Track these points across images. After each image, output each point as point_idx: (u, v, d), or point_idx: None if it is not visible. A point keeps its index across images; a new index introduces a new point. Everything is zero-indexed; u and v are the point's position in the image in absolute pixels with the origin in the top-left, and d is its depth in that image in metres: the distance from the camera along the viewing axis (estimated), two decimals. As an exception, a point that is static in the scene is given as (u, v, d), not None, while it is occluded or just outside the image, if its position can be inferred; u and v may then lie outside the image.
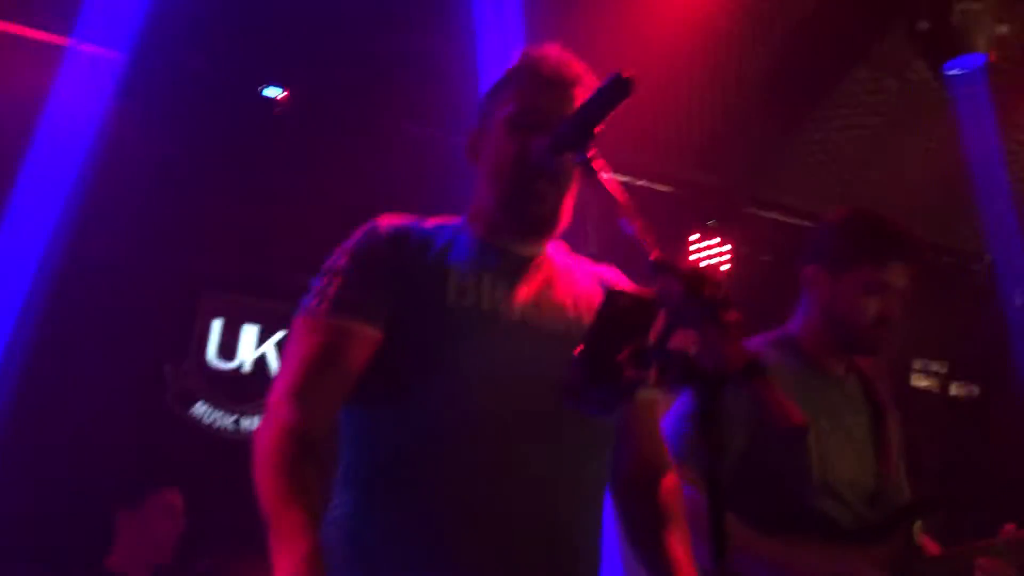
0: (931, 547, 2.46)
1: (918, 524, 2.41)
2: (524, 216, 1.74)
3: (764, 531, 2.23)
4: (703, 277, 1.21)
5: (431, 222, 1.82)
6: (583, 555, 1.66)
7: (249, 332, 5.12)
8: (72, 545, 4.06)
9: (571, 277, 1.82)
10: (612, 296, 1.26)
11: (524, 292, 1.72)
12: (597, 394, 1.23)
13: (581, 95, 1.67)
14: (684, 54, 4.97)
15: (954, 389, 6.75)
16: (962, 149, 5.60)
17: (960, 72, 4.65)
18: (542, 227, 1.77)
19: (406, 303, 1.64)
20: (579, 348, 1.22)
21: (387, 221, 1.74)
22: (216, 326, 5.06)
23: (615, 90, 1.41)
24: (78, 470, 4.42)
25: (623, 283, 1.85)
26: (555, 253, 1.87)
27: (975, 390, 6.76)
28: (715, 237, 5.41)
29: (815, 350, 2.49)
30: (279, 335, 5.16)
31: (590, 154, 1.47)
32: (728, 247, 5.42)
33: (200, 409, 4.94)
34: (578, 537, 1.65)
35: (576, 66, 1.77)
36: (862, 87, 5.42)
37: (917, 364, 6.64)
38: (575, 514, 1.65)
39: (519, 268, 1.76)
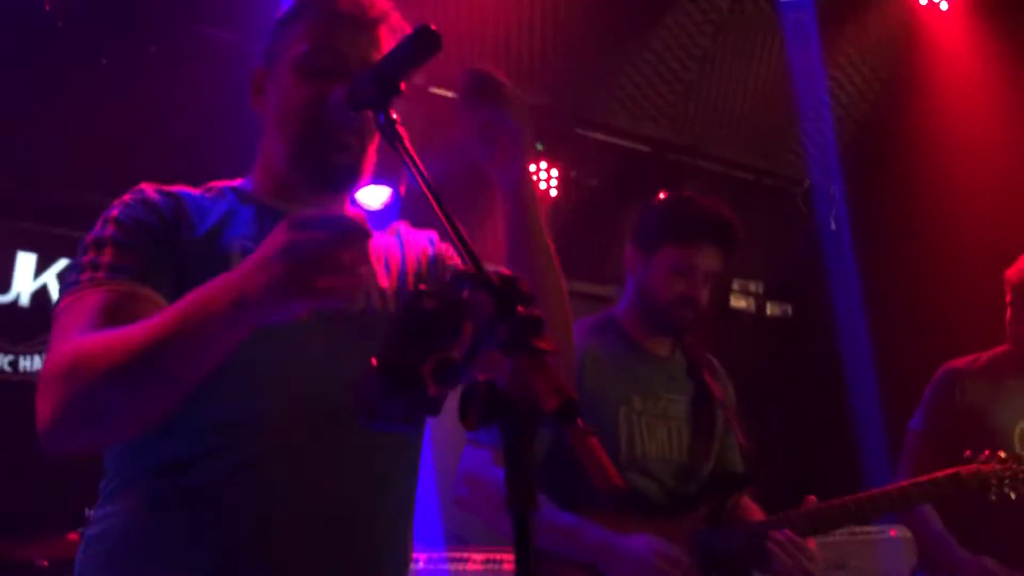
0: (756, 515, 2.56)
1: (735, 497, 2.55)
2: (321, 167, 1.48)
3: (574, 505, 2.29)
4: (517, 292, 0.99)
5: (205, 188, 1.55)
6: (386, 550, 1.50)
7: (25, 261, 4.54)
8: None
9: (379, 249, 1.59)
10: (419, 296, 1.05)
11: None
12: (396, 409, 1.04)
13: (387, 37, 1.51)
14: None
15: (769, 308, 6.97)
16: (785, 75, 5.65)
17: (789, -2, 4.59)
18: (342, 180, 1.52)
19: (184, 288, 1.33)
20: (377, 356, 1.03)
21: (154, 188, 1.48)
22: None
23: (420, 45, 1.24)
24: None
25: (447, 258, 1.66)
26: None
27: (788, 310, 7.01)
28: (542, 161, 5.23)
29: (635, 331, 2.57)
30: (60, 264, 4.61)
31: (393, 114, 1.27)
32: (555, 172, 5.26)
33: (-33, 350, 4.37)
34: (379, 534, 1.48)
35: (380, 1, 1.52)
36: (695, 6, 5.33)
37: (736, 284, 6.79)
38: (373, 512, 1.47)
39: None
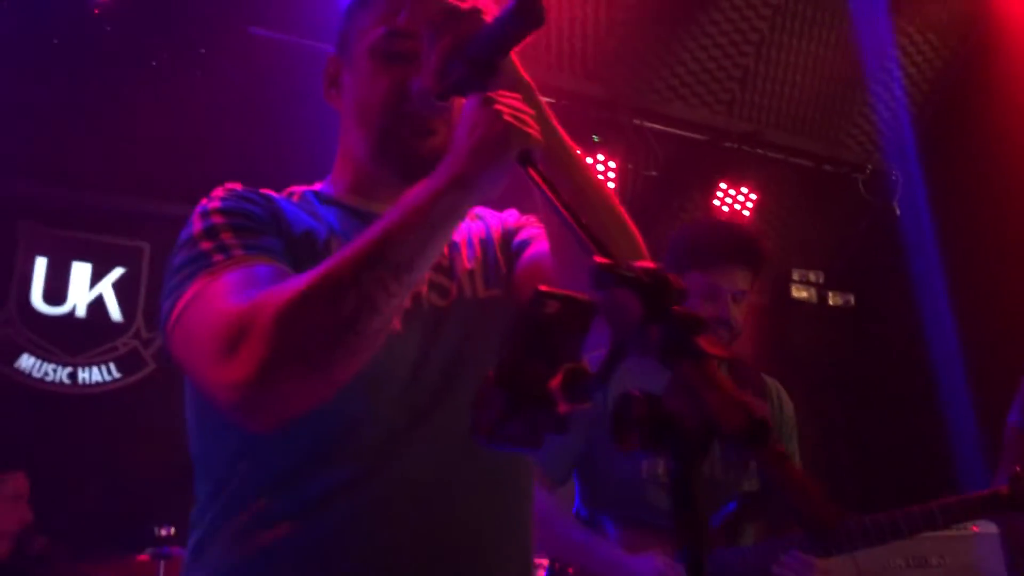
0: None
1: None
2: (406, 156, 1.35)
3: (597, 506, 2.47)
4: (670, 289, 0.85)
5: (287, 193, 1.44)
6: (495, 554, 1.36)
7: (80, 271, 4.49)
8: None
9: (464, 234, 1.48)
10: (539, 299, 0.91)
11: None
12: (518, 428, 0.91)
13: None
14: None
15: (831, 299, 6.78)
16: (849, 56, 5.46)
17: (856, -27, 4.40)
18: (431, 165, 1.38)
19: None
20: (495, 369, 0.90)
21: (244, 187, 1.35)
22: (40, 265, 4.41)
23: (521, 18, 1.09)
24: None
25: (525, 227, 1.52)
26: None
27: (851, 299, 6.81)
28: (599, 153, 5.08)
29: None
30: (116, 273, 4.56)
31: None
32: (613, 164, 5.11)
33: (27, 362, 4.32)
34: (489, 546, 1.35)
35: None
36: (750, -11, 5.16)
37: (796, 275, 6.62)
38: (483, 523, 1.34)
39: None
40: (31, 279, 4.39)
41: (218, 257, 1.18)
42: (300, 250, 1.28)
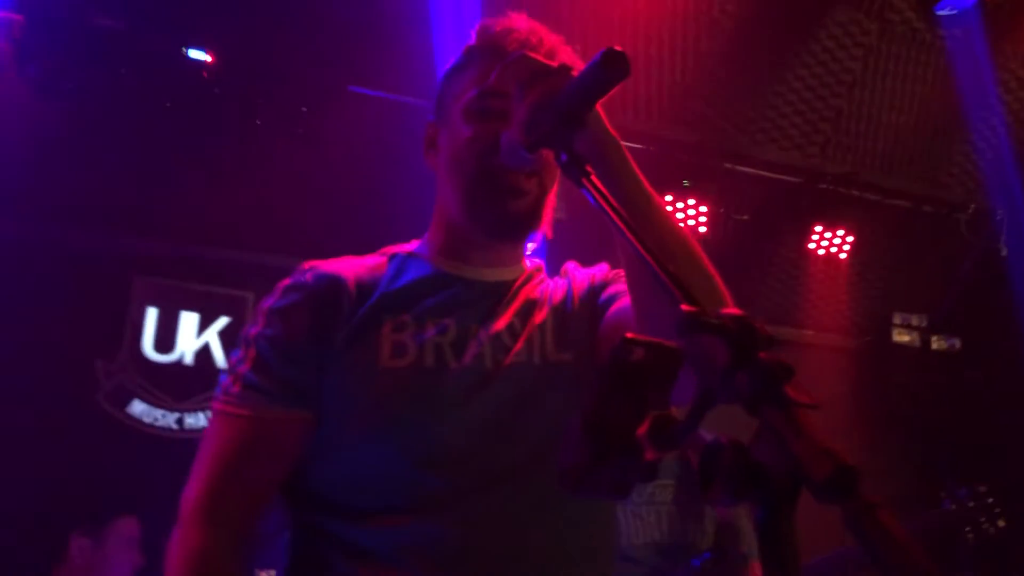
0: None
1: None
2: (496, 216, 1.40)
3: None
4: (756, 335, 0.85)
5: (379, 253, 1.50)
6: None
7: (188, 320, 4.69)
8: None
9: (546, 293, 1.50)
10: (626, 346, 0.92)
11: (485, 334, 1.40)
12: (606, 476, 0.92)
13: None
14: (651, 2, 4.61)
15: (935, 343, 6.55)
16: (945, 94, 5.34)
17: (952, 12, 4.31)
18: (518, 228, 1.44)
19: (337, 372, 1.34)
20: (582, 416, 0.91)
21: (314, 270, 1.43)
22: (151, 315, 4.62)
23: (607, 70, 1.10)
24: (4, 485, 4.03)
25: (611, 281, 1.53)
26: (534, 274, 1.55)
27: (956, 343, 6.56)
28: (690, 198, 5.06)
29: None
30: (221, 322, 4.74)
31: (577, 151, 1.16)
32: (705, 208, 5.08)
33: (138, 408, 4.51)
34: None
35: (549, 38, 1.43)
36: (842, 30, 5.10)
37: (897, 318, 6.42)
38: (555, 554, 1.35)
39: (482, 301, 1.44)
40: (142, 328, 4.60)
41: (228, 381, 1.36)
42: (355, 332, 1.35)
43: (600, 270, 1.57)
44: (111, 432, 4.40)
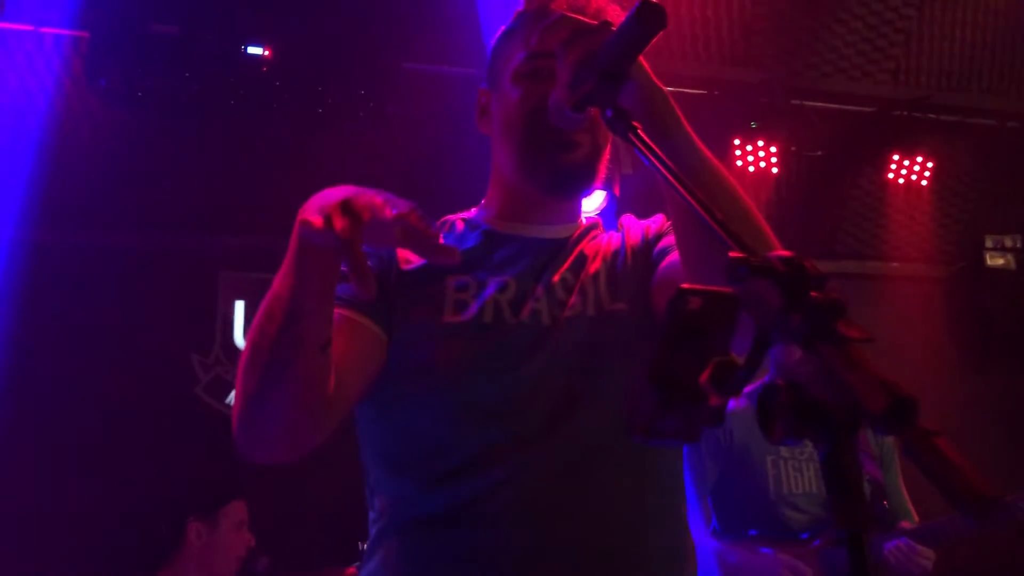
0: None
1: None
2: (551, 170, 1.44)
3: (735, 535, 3.00)
4: (806, 275, 0.85)
5: (440, 223, 1.57)
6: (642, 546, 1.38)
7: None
8: (114, 552, 3.89)
9: (600, 246, 1.53)
10: (683, 296, 0.94)
11: (542, 289, 1.44)
12: (673, 423, 0.94)
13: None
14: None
15: (1032, 263, 6.30)
16: (1019, 3, 5.09)
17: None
18: (574, 181, 1.47)
19: (403, 328, 1.40)
20: (646, 367, 0.93)
21: None
22: (239, 308, 4.77)
23: (641, 24, 1.10)
24: (115, 479, 4.24)
25: (658, 222, 1.56)
26: (589, 229, 1.58)
27: (1053, 262, 6.31)
28: (759, 139, 4.96)
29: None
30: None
31: (622, 105, 1.16)
32: (775, 148, 4.98)
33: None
34: (635, 538, 1.38)
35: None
36: (906, -53, 4.91)
37: (989, 241, 6.19)
38: (625, 517, 1.38)
39: (538, 258, 1.48)
40: (233, 321, 4.76)
41: None
42: (411, 279, 1.42)
43: (656, 221, 1.58)
44: (212, 423, 4.58)
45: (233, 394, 4.75)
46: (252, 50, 4.01)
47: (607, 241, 1.55)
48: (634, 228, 1.58)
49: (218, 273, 4.83)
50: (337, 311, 1.33)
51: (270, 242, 4.86)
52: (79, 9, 3.76)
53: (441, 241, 1.48)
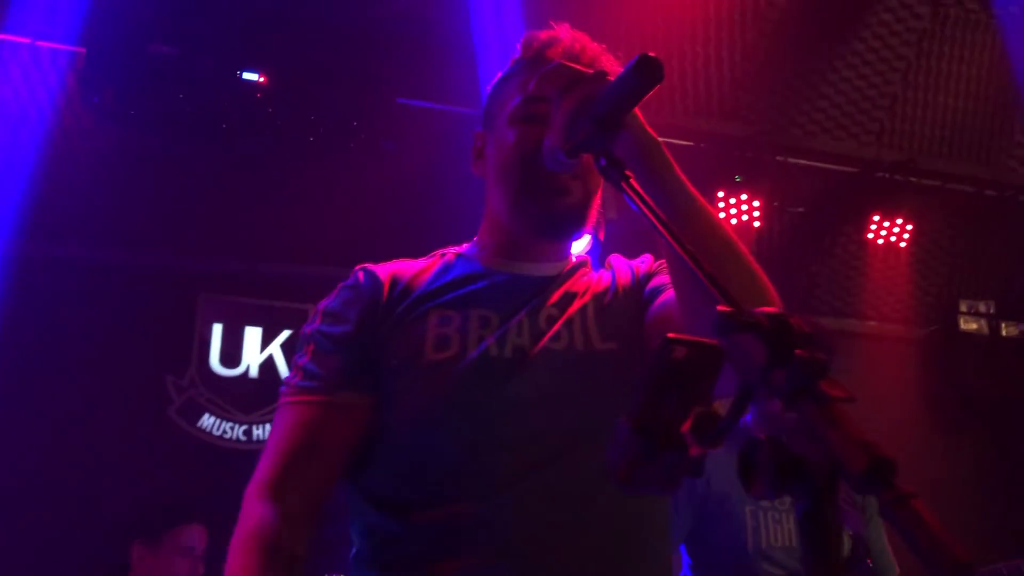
0: None
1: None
2: (543, 214, 1.45)
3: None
4: (792, 332, 0.87)
5: (431, 256, 1.58)
6: None
7: (252, 335, 4.81)
8: (76, 573, 3.84)
9: (590, 284, 1.54)
10: (668, 345, 0.95)
11: (526, 324, 1.44)
12: (654, 473, 0.95)
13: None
14: (695, -2, 4.60)
15: (1005, 329, 6.38)
16: (1003, 74, 5.22)
17: (1005, -9, 4.22)
18: (564, 226, 1.48)
19: (387, 364, 1.40)
20: (629, 413, 0.94)
21: (365, 269, 1.52)
22: (217, 331, 4.75)
23: (641, 76, 1.13)
24: (80, 497, 4.18)
25: (646, 263, 1.57)
26: (577, 267, 1.59)
27: (1027, 328, 6.39)
28: (743, 193, 5.03)
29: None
30: (284, 335, 4.85)
31: (616, 154, 1.19)
32: (758, 202, 5.04)
33: (207, 421, 4.64)
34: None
35: (591, 47, 1.49)
36: (892, 16, 5.03)
37: (964, 305, 6.27)
38: (608, 555, 1.37)
39: (524, 294, 1.49)
40: (209, 344, 4.74)
41: (292, 377, 1.44)
42: (403, 327, 1.43)
43: (644, 261, 1.60)
44: (183, 445, 4.54)
45: (205, 417, 4.69)
46: (248, 76, 4.04)
47: (597, 279, 1.55)
48: (623, 267, 1.59)
49: (197, 295, 4.81)
50: (307, 399, 1.38)
51: (250, 267, 4.91)
52: (82, 25, 3.77)
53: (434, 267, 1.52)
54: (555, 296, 1.49)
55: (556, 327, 1.44)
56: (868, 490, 0.76)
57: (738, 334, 0.88)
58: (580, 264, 1.60)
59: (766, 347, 0.86)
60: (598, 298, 1.50)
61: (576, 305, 1.48)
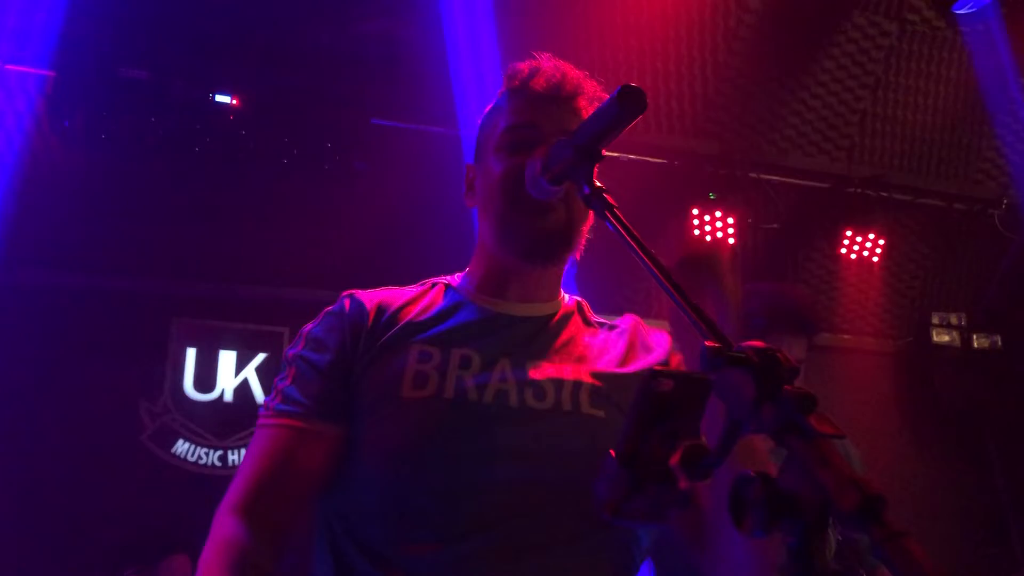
0: None
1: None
2: (527, 235, 1.43)
3: None
4: (780, 368, 0.86)
5: (417, 286, 1.56)
6: None
7: (226, 359, 4.76)
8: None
9: (602, 362, 1.48)
10: (655, 377, 0.95)
11: (512, 371, 1.41)
12: (642, 504, 0.95)
13: (585, 108, 1.48)
14: (668, 15, 4.63)
15: (976, 341, 6.45)
16: (970, 90, 5.29)
17: (970, 10, 4.29)
18: (549, 247, 1.45)
19: (364, 397, 1.38)
20: (617, 447, 0.94)
21: (352, 296, 1.50)
22: (191, 355, 4.70)
23: (625, 106, 1.14)
24: (52, 527, 4.11)
25: (663, 349, 1.51)
26: (573, 311, 1.55)
27: (997, 340, 6.47)
28: (717, 210, 5.06)
29: None
30: (258, 359, 4.80)
31: (597, 183, 1.18)
32: (732, 219, 5.07)
33: (182, 447, 4.58)
34: None
35: (573, 74, 1.49)
36: (861, 33, 5.09)
37: (936, 318, 6.33)
38: None
39: (512, 336, 1.46)
40: (183, 369, 4.68)
41: (271, 400, 1.42)
42: (383, 360, 1.40)
43: (662, 344, 1.52)
44: (157, 472, 4.47)
45: (179, 443, 4.62)
46: (220, 98, 4.01)
47: (603, 342, 1.51)
48: (639, 341, 1.53)
49: (170, 319, 4.75)
50: (284, 423, 1.36)
51: (225, 291, 4.86)
52: (52, 49, 3.73)
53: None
54: (551, 345, 1.46)
55: (550, 385, 1.40)
56: (860, 528, 0.76)
57: (726, 369, 0.88)
58: (576, 306, 1.57)
59: (754, 382, 0.86)
60: (603, 366, 1.46)
61: (570, 369, 1.43)
